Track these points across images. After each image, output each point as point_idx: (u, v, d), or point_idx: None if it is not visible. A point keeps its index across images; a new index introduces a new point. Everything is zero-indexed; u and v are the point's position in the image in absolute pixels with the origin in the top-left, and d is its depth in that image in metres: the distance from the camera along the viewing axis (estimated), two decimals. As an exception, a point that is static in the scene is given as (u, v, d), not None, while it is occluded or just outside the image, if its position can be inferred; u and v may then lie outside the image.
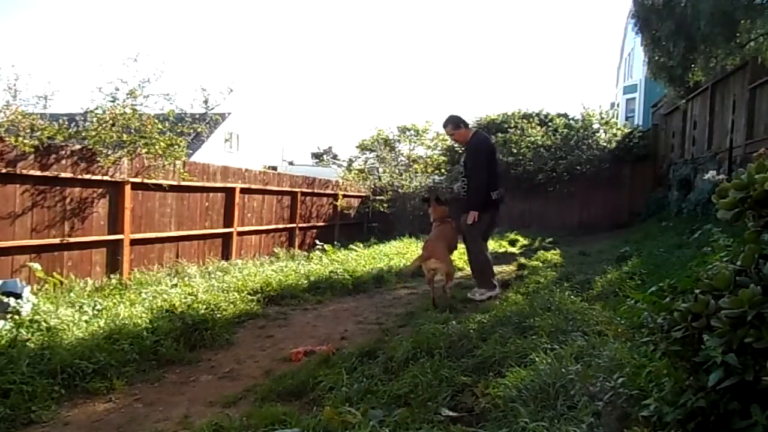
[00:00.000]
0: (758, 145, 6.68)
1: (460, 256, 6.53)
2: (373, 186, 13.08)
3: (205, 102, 6.99)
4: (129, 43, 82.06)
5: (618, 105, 24.87)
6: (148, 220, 6.78)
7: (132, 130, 6.29)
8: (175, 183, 7.01)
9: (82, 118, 6.28)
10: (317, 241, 9.96)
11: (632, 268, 5.60)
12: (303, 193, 10.55)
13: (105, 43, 79.98)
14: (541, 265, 7.54)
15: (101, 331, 3.99)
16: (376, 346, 3.70)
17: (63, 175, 5.67)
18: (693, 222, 7.62)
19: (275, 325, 5.12)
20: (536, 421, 2.06)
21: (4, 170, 5.12)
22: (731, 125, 8.54)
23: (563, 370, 2.41)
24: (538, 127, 15.05)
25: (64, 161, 5.72)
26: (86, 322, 4.23)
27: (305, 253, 9.26)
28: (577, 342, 2.87)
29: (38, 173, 5.43)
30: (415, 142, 14.25)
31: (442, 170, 13.61)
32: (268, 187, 9.42)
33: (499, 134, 14.95)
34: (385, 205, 12.46)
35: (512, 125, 15.26)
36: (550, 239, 11.74)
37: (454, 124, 5.86)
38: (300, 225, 10.37)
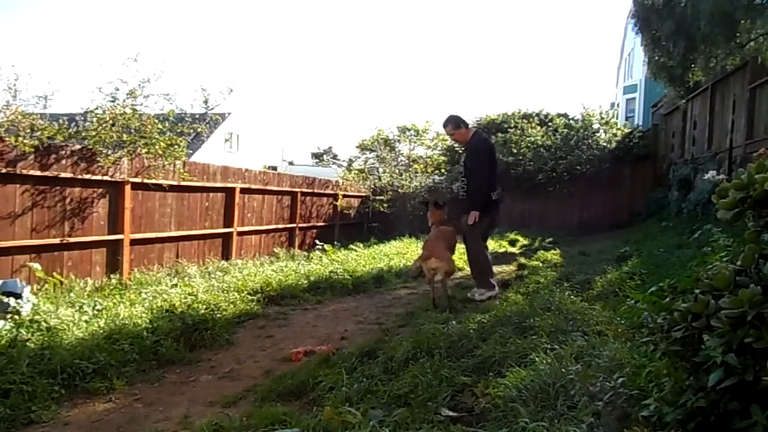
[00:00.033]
0: (758, 145, 6.67)
1: (460, 256, 6.53)
2: (373, 186, 13.08)
3: (205, 102, 7.00)
4: (129, 43, 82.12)
5: (618, 105, 24.88)
6: (148, 220, 6.78)
7: (132, 130, 6.29)
8: (175, 183, 7.01)
9: (82, 118, 6.28)
10: (317, 241, 9.96)
11: (632, 268, 5.60)
12: (303, 193, 10.55)
13: (105, 43, 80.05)
14: (541, 265, 7.54)
15: (101, 331, 3.99)
16: (376, 346, 3.70)
17: (63, 175, 5.67)
18: (693, 222, 7.61)
19: (275, 325, 5.12)
20: (536, 421, 2.06)
21: (4, 170, 5.12)
22: (731, 125, 8.54)
23: (563, 370, 2.41)
24: (538, 127, 15.05)
25: (64, 161, 5.72)
26: (86, 322, 4.23)
27: (305, 253, 9.26)
28: (577, 342, 2.87)
29: (38, 173, 5.43)
30: (415, 142, 14.26)
31: (442, 170, 13.61)
32: (268, 187, 9.42)
33: (499, 134, 14.95)
34: (385, 205, 12.47)
35: (512, 125, 15.26)
36: (550, 239, 11.74)
37: (455, 124, 5.86)
38: (300, 225, 10.37)
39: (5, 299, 4.26)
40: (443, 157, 14.24)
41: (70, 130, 5.97)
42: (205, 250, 7.87)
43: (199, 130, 7.09)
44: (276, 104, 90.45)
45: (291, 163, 38.41)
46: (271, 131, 72.53)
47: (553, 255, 8.37)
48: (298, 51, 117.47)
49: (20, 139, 5.22)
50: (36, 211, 5.46)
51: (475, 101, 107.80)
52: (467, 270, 6.43)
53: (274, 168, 26.41)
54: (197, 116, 7.21)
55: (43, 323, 4.00)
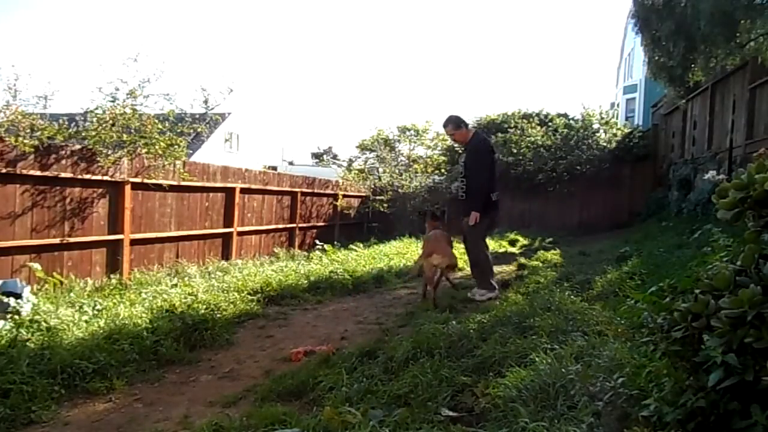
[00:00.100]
0: (758, 145, 6.68)
1: (460, 255, 6.53)
2: (373, 186, 13.08)
3: (205, 102, 7.00)
4: (129, 43, 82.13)
5: (618, 105, 24.88)
6: (148, 220, 6.79)
7: (132, 130, 6.29)
8: (175, 183, 7.01)
9: (82, 118, 6.28)
10: (317, 241, 9.96)
11: (632, 268, 5.60)
12: (303, 193, 10.55)
13: (105, 43, 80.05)
14: (541, 265, 7.54)
15: (101, 331, 3.99)
16: (376, 346, 3.70)
17: (63, 175, 5.67)
18: (693, 222, 7.62)
19: (275, 325, 5.12)
20: (536, 421, 2.06)
21: (4, 170, 5.12)
22: (731, 125, 8.54)
23: (563, 370, 2.41)
24: (538, 127, 15.06)
25: (64, 161, 5.72)
26: (86, 322, 4.23)
27: (305, 253, 9.26)
28: (577, 342, 2.87)
29: (38, 173, 5.43)
30: (415, 142, 14.25)
31: (442, 170, 13.61)
32: (268, 187, 9.42)
33: (499, 134, 14.95)
34: (385, 205, 12.47)
35: (512, 125, 15.26)
36: (550, 239, 11.75)
37: (455, 124, 5.86)
38: (300, 225, 10.37)
39: (5, 299, 4.26)
40: (443, 157, 14.24)
41: (70, 130, 5.97)
42: (205, 250, 7.87)
43: (199, 130, 7.09)
44: (276, 104, 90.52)
45: (291, 163, 38.41)
46: (271, 131, 72.57)
47: (553, 255, 8.37)
48: (298, 51, 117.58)
49: (20, 139, 5.22)
50: (36, 211, 5.46)
51: (475, 101, 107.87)
52: (467, 270, 6.43)
53: (274, 168, 26.42)
54: (197, 116, 7.21)
55: (43, 323, 4.00)
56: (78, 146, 5.94)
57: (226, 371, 3.84)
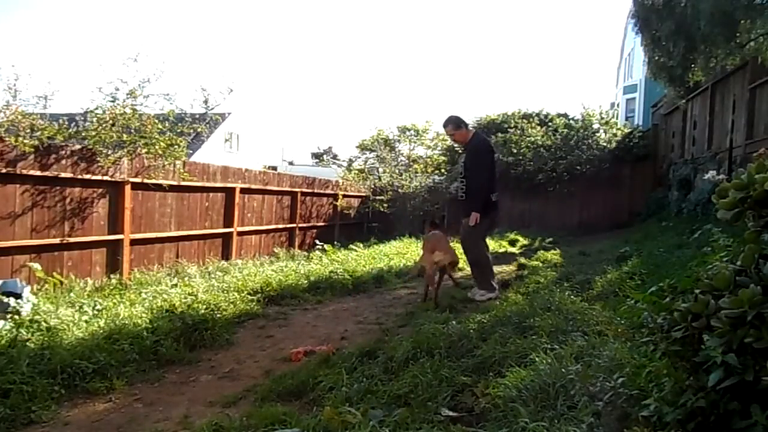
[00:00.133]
0: (758, 145, 6.68)
1: (460, 255, 6.53)
2: (373, 186, 13.08)
3: (205, 102, 7.00)
4: (129, 43, 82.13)
5: (618, 105, 24.88)
6: (148, 220, 6.79)
7: (132, 130, 6.29)
8: (175, 183, 7.01)
9: (82, 118, 6.28)
10: (317, 241, 9.96)
11: (632, 268, 5.60)
12: (303, 193, 10.55)
13: (105, 43, 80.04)
14: (541, 265, 7.55)
15: (101, 331, 3.99)
16: (376, 346, 3.70)
17: (63, 175, 5.67)
18: (693, 222, 7.62)
19: (275, 325, 5.12)
20: (536, 421, 2.06)
21: (4, 170, 5.12)
22: (731, 125, 8.54)
23: (563, 370, 2.41)
24: (538, 127, 15.06)
25: (64, 161, 5.72)
26: (86, 322, 4.23)
27: (305, 253, 9.26)
28: (577, 342, 2.87)
29: (38, 173, 5.43)
30: (415, 142, 14.26)
31: (442, 170, 13.61)
32: (268, 187, 9.42)
33: (499, 134, 14.96)
34: (385, 205, 12.47)
35: (512, 125, 15.27)
36: (550, 239, 11.75)
37: (455, 124, 5.86)
38: (300, 225, 10.37)
39: (5, 299, 4.26)
40: (443, 157, 14.25)
41: (70, 130, 5.98)
42: (205, 250, 7.87)
43: (199, 130, 7.09)
44: (276, 104, 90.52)
45: (291, 163, 38.42)
46: (271, 131, 72.59)
47: (553, 255, 8.37)
48: (297, 51, 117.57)
49: (20, 139, 5.22)
50: (36, 211, 5.46)
51: (475, 101, 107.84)
52: (467, 270, 6.43)
53: (274, 168, 26.42)
54: (197, 116, 7.21)
55: (43, 323, 4.00)
56: (78, 146, 5.94)
57: (226, 371, 3.84)
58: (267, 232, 9.43)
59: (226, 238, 8.29)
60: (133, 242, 6.52)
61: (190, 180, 7.22)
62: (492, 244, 9.94)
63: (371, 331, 4.70)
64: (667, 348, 1.60)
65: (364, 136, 17.28)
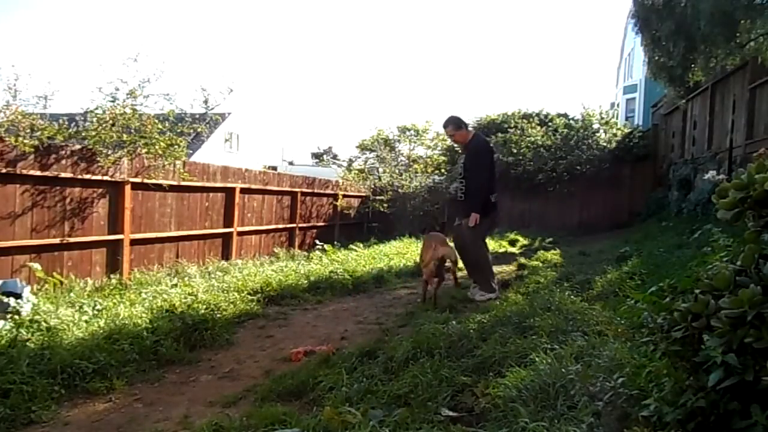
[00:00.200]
0: (758, 145, 6.68)
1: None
2: (373, 186, 13.08)
3: (205, 102, 7.00)
4: (129, 43, 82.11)
5: (618, 105, 24.88)
6: (148, 220, 6.79)
7: (132, 130, 6.29)
8: (175, 183, 7.01)
9: (82, 118, 6.28)
10: (317, 241, 9.96)
11: (632, 268, 5.60)
12: (303, 193, 10.55)
13: (105, 43, 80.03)
14: (541, 265, 7.55)
15: (101, 331, 3.99)
16: (376, 346, 3.70)
17: (63, 175, 5.67)
18: (693, 222, 7.62)
19: (275, 325, 5.12)
20: (536, 421, 2.06)
21: (4, 170, 5.11)
22: (731, 125, 8.54)
23: (563, 370, 2.41)
24: (538, 127, 15.06)
25: (64, 161, 5.72)
26: (86, 322, 4.23)
27: (305, 253, 9.26)
28: (577, 342, 2.87)
29: (38, 173, 5.43)
30: (415, 142, 14.25)
31: (442, 170, 13.61)
32: (268, 187, 9.42)
33: (499, 134, 14.96)
34: (385, 205, 12.46)
35: (512, 125, 15.27)
36: (550, 239, 11.75)
37: (455, 125, 5.86)
38: (300, 225, 10.37)
39: (5, 299, 4.25)
40: (443, 157, 14.24)
41: (70, 130, 5.97)
42: (205, 250, 7.87)
43: (199, 130, 7.09)
44: (276, 104, 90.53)
45: (291, 163, 38.42)
46: (271, 131, 72.61)
47: (553, 255, 8.37)
48: (297, 51, 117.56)
49: (20, 139, 5.22)
50: (36, 211, 5.46)
51: (475, 101, 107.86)
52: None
53: (274, 168, 26.42)
54: (197, 116, 7.21)
55: (43, 323, 4.00)
56: (78, 146, 5.93)
57: (226, 371, 3.84)
58: (267, 232, 9.43)
59: (226, 238, 8.29)
60: (133, 242, 6.52)
61: (190, 180, 7.22)
62: (492, 244, 9.94)
63: (371, 331, 4.70)
64: (667, 348, 1.60)
65: (364, 136, 17.29)
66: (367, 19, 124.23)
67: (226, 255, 8.17)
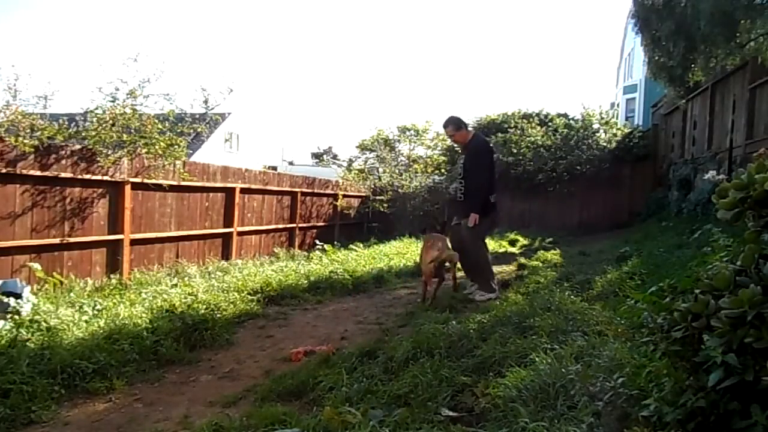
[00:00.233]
0: (758, 145, 6.68)
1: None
2: (373, 186, 13.08)
3: (205, 102, 6.99)
4: (129, 43, 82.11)
5: (618, 105, 24.88)
6: (148, 220, 6.78)
7: (132, 130, 6.28)
8: (175, 183, 7.01)
9: (82, 118, 6.28)
10: (317, 241, 9.95)
11: (632, 268, 5.60)
12: (303, 193, 10.54)
13: (105, 43, 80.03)
14: (541, 265, 7.54)
15: (101, 331, 3.99)
16: (376, 346, 3.70)
17: (63, 175, 5.67)
18: (693, 222, 7.62)
19: (275, 325, 5.12)
20: (536, 421, 2.06)
21: (4, 170, 5.11)
22: (731, 125, 8.54)
23: (563, 370, 2.41)
24: (538, 127, 15.06)
25: (64, 161, 5.72)
26: (86, 322, 4.23)
27: (305, 253, 9.26)
28: (577, 342, 2.87)
29: (38, 173, 5.43)
30: (415, 142, 14.24)
31: (442, 170, 13.61)
32: (268, 187, 9.42)
33: (499, 134, 14.96)
34: (385, 205, 12.46)
35: (512, 125, 15.27)
36: (550, 239, 11.75)
37: (455, 125, 5.86)
38: (300, 225, 10.37)
39: (5, 299, 4.25)
40: (443, 157, 14.23)
41: (70, 130, 5.97)
42: (205, 250, 7.87)
43: (199, 130, 7.08)
44: (276, 104, 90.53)
45: (291, 163, 38.42)
46: (271, 131, 72.61)
47: (553, 255, 8.37)
48: (297, 51, 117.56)
49: (20, 139, 5.22)
50: (36, 211, 5.46)
51: (475, 101, 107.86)
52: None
53: (274, 168, 26.42)
54: (197, 116, 7.20)
55: (43, 323, 4.00)
56: (78, 146, 5.93)
57: (226, 371, 3.84)
58: (267, 232, 9.43)
59: (226, 238, 8.29)
60: (133, 242, 6.52)
61: (190, 180, 7.22)
62: (492, 244, 9.94)
63: (371, 331, 4.70)
64: (667, 348, 1.60)
65: (364, 136, 17.28)
66: (367, 19, 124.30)
67: (226, 255, 8.17)
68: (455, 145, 13.14)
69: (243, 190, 8.62)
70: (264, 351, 4.32)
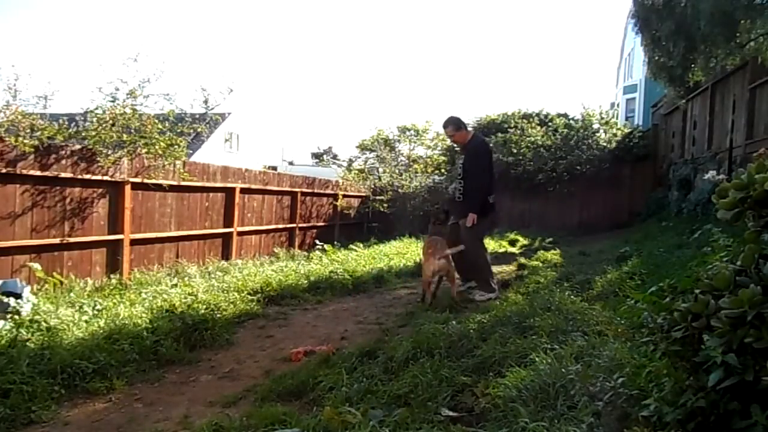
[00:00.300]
0: (758, 145, 6.68)
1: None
2: (373, 186, 13.08)
3: (205, 102, 7.00)
4: (129, 43, 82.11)
5: (618, 105, 24.88)
6: (148, 220, 6.79)
7: (132, 130, 6.29)
8: (175, 183, 7.01)
9: (82, 118, 6.28)
10: (317, 241, 9.96)
11: (632, 268, 5.60)
12: (303, 193, 10.55)
13: (105, 43, 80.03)
14: (541, 265, 7.54)
15: (101, 331, 3.99)
16: (376, 346, 3.70)
17: (63, 175, 5.67)
18: (693, 222, 7.62)
19: (275, 325, 5.12)
20: (536, 421, 2.06)
21: (4, 170, 5.12)
22: (731, 125, 8.54)
23: (563, 370, 2.41)
24: (538, 127, 15.05)
25: (64, 161, 5.72)
26: (86, 322, 4.23)
27: (305, 253, 9.26)
28: (577, 342, 2.87)
29: (38, 173, 5.43)
30: (415, 142, 14.24)
31: (442, 170, 13.60)
32: (268, 187, 9.42)
33: (499, 134, 14.95)
34: (385, 205, 12.46)
35: (512, 125, 15.26)
36: (550, 239, 11.74)
37: (455, 125, 5.86)
38: (300, 225, 10.37)
39: (5, 299, 4.26)
40: (443, 157, 14.22)
41: (70, 130, 5.97)
42: (205, 250, 7.87)
43: (199, 130, 7.09)
44: (276, 104, 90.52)
45: (291, 163, 38.41)
46: (271, 131, 72.60)
47: (553, 255, 8.36)
48: (297, 51, 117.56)
49: (20, 139, 5.22)
50: (36, 211, 5.46)
51: (475, 101, 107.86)
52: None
53: (274, 168, 26.41)
54: (197, 116, 7.21)
55: (43, 323, 4.00)
56: (78, 146, 5.94)
57: (226, 371, 3.84)
58: (267, 232, 9.43)
59: (226, 238, 8.29)
60: (133, 242, 6.52)
61: (190, 180, 7.22)
62: (492, 244, 9.96)
63: (371, 331, 4.70)
64: (667, 348, 1.60)
65: (364, 136, 17.27)
66: (367, 19, 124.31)
67: (226, 255, 8.17)
68: (455, 145, 13.20)
69: (243, 190, 8.62)
70: (264, 351, 4.32)
